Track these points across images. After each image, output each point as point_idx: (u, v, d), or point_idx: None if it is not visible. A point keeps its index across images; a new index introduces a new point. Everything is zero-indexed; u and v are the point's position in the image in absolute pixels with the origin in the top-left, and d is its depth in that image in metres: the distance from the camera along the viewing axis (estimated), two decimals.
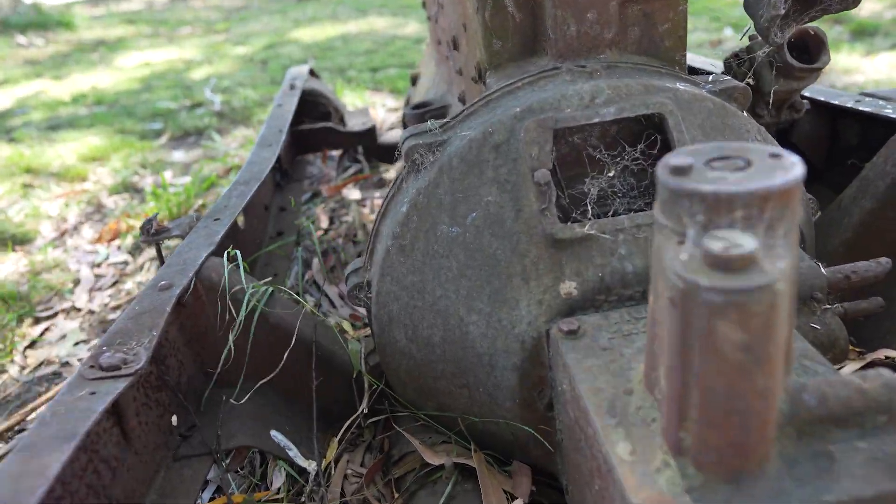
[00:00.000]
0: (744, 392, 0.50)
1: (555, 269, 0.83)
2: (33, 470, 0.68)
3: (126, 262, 2.11)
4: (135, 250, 2.17)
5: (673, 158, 0.54)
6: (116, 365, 0.84)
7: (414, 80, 2.18)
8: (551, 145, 0.84)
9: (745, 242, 0.48)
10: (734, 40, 4.14)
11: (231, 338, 1.02)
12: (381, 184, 2.26)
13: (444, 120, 0.96)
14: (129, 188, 2.78)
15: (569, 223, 0.82)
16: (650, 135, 0.88)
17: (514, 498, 0.94)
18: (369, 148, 2.23)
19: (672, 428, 0.56)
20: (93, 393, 0.79)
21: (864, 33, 3.97)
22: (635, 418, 0.65)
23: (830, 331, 0.90)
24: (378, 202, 2.10)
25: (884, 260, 0.92)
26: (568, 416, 0.78)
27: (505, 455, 1.02)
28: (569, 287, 0.82)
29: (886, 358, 1.13)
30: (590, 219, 0.82)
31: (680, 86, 0.91)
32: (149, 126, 3.66)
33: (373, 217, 2.01)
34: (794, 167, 0.52)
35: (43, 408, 0.73)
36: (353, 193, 2.13)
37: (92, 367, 0.84)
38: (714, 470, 0.55)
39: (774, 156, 0.54)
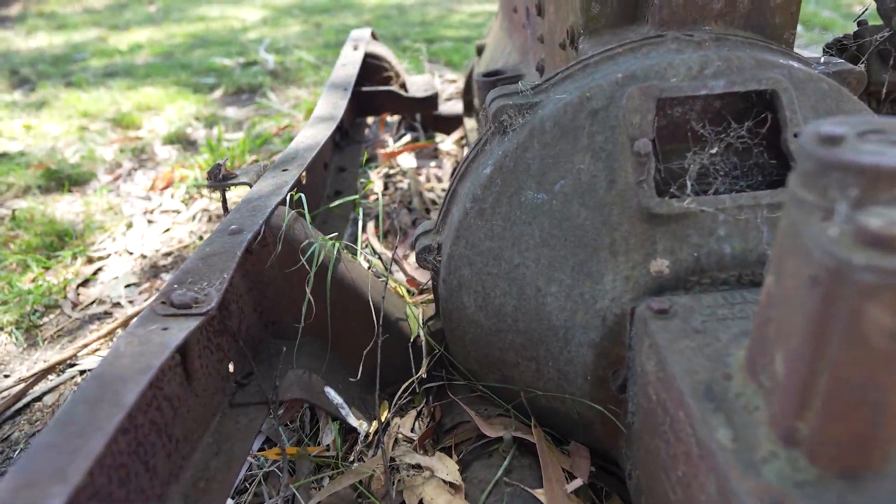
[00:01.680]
0: (883, 384, 0.46)
1: (647, 244, 0.79)
2: (109, 398, 0.67)
3: (178, 211, 2.12)
4: (187, 199, 2.18)
5: (823, 126, 0.50)
6: (188, 303, 0.82)
7: (480, 51, 2.13)
8: (654, 115, 0.80)
9: None
10: (806, 38, 3.98)
11: (308, 289, 1.00)
12: (436, 154, 2.22)
13: (537, 82, 0.92)
14: (181, 139, 2.80)
15: (666, 198, 0.78)
16: (758, 113, 0.83)
17: (573, 477, 0.92)
18: (427, 117, 2.19)
19: (787, 417, 0.53)
20: (165, 329, 0.78)
21: None
22: (735, 405, 0.61)
23: None
24: (434, 171, 2.07)
25: None
26: (649, 398, 0.75)
27: (564, 434, 0.99)
28: (660, 265, 0.78)
29: None
30: (688, 195, 0.78)
31: (794, 64, 0.86)
32: (203, 80, 3.67)
33: (427, 186, 1.98)
34: None
35: (117, 337, 0.73)
36: (408, 161, 2.10)
37: (164, 303, 0.83)
38: (830, 465, 0.51)
39: None
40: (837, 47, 1.16)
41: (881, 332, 0.45)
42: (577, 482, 0.90)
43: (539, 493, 0.88)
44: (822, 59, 0.93)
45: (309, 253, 1.00)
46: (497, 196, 0.88)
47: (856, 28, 1.11)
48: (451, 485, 0.94)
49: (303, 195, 1.10)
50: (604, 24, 0.99)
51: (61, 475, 0.58)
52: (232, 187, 1.19)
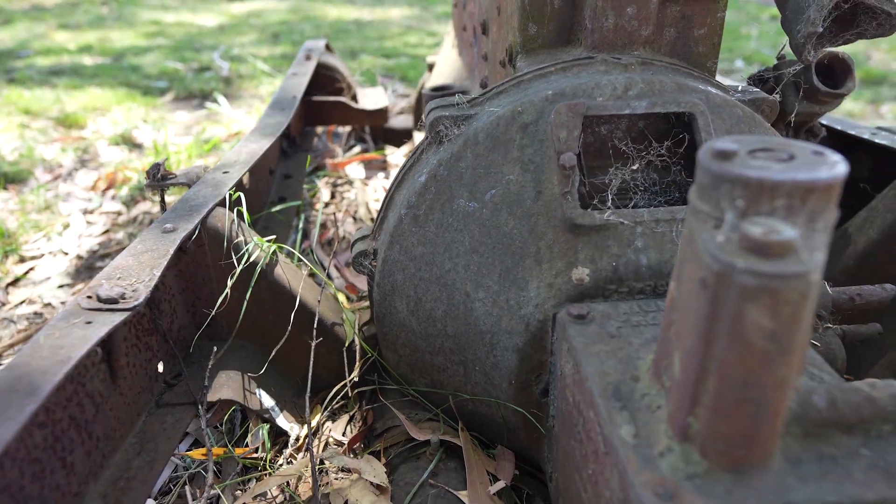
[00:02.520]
0: (763, 381, 0.50)
1: (569, 253, 0.83)
2: (23, 388, 0.66)
3: (119, 213, 2.08)
4: (129, 201, 2.14)
5: (718, 143, 0.54)
6: (115, 298, 0.82)
7: (431, 67, 2.17)
8: (580, 131, 0.84)
9: (785, 230, 0.48)
10: (744, 72, 4.17)
11: (229, 283, 1.00)
12: (385, 166, 2.24)
13: (473, 95, 0.95)
14: (127, 141, 2.74)
15: (589, 210, 0.82)
16: (677, 133, 0.88)
17: (497, 480, 0.94)
18: (377, 129, 2.21)
19: (681, 413, 0.56)
20: (89, 322, 0.78)
21: (871, 82, 4.03)
22: (640, 404, 0.64)
23: (830, 349, 0.90)
24: (381, 183, 2.09)
25: (889, 287, 0.93)
26: (566, 400, 0.78)
27: (491, 439, 1.02)
28: (581, 273, 0.82)
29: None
30: (609, 208, 0.82)
31: (712, 90, 0.91)
32: (153, 84, 3.61)
33: (374, 197, 1.99)
34: (837, 164, 0.52)
35: (40, 331, 0.72)
36: (356, 171, 2.12)
37: (90, 297, 0.82)
38: (719, 459, 0.55)
39: (817, 153, 0.54)
40: (758, 79, 1.23)
41: (760, 333, 0.48)
42: (500, 484, 0.93)
43: (462, 495, 0.90)
44: (741, 88, 0.99)
45: (241, 253, 1.00)
46: (431, 203, 0.91)
47: (776, 62, 1.19)
48: (378, 487, 0.94)
49: (242, 196, 1.10)
50: (540, 44, 1.03)
51: None
52: (171, 188, 1.19)
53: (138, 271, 0.88)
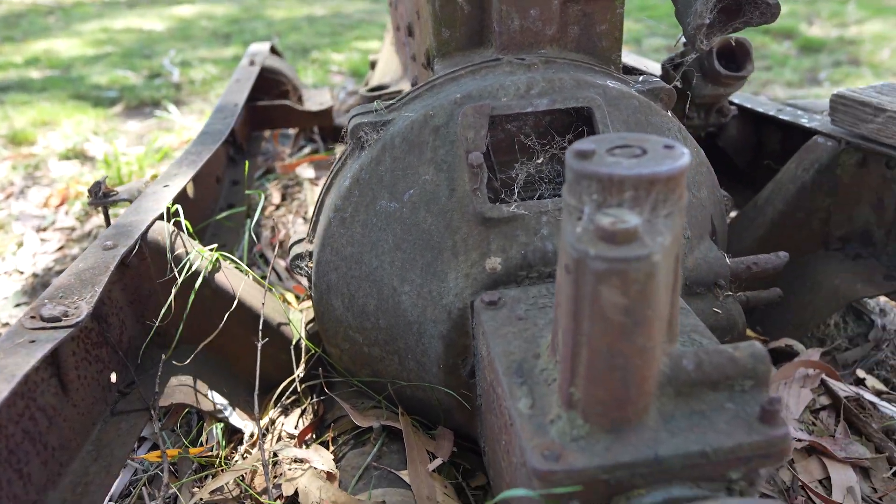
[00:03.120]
0: (624, 351, 0.58)
1: (482, 245, 0.90)
2: None
3: (73, 228, 2.10)
4: (83, 216, 2.15)
5: (579, 144, 0.61)
6: (57, 317, 0.87)
7: (373, 65, 2.22)
8: (486, 130, 0.90)
9: (630, 219, 0.55)
10: None
11: (171, 296, 1.05)
12: None
13: (390, 101, 1.01)
14: (79, 155, 2.74)
15: (497, 204, 0.89)
16: (578, 127, 0.95)
17: (435, 457, 1.01)
18: (326, 129, 2.25)
19: (565, 384, 0.63)
20: (32, 341, 0.82)
21: (811, 49, 4.16)
22: (539, 378, 0.72)
23: (730, 315, 0.99)
24: None
25: (782, 253, 1.02)
26: (485, 379, 0.85)
27: (431, 421, 1.09)
28: (494, 263, 0.89)
29: (787, 346, 1.24)
30: (516, 200, 0.89)
31: (610, 83, 0.98)
32: (104, 94, 3.59)
33: None
34: (681, 157, 0.59)
35: None
36: (306, 172, 2.16)
37: (33, 317, 0.87)
38: (598, 421, 0.62)
39: (668, 147, 0.61)
40: (670, 65, 1.31)
41: (615, 309, 0.56)
42: (438, 461, 1.00)
43: (403, 474, 0.97)
44: (641, 79, 1.06)
45: (182, 264, 1.05)
46: (356, 205, 0.97)
47: (681, 49, 1.27)
48: (328, 473, 1.01)
49: (180, 208, 1.15)
50: (454, 47, 1.09)
51: None
52: (114, 204, 1.23)
53: (80, 289, 0.92)
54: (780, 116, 1.35)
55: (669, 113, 1.05)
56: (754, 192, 1.41)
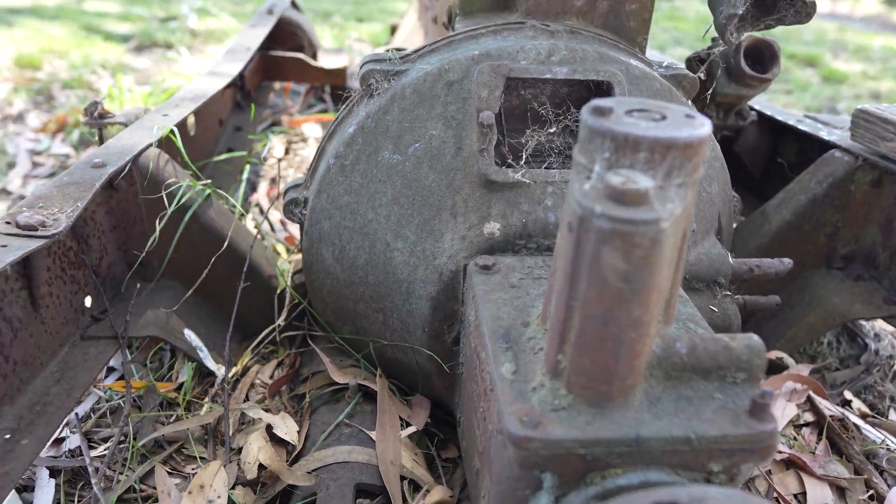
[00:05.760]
0: (619, 319, 0.55)
1: (482, 208, 0.86)
2: None
3: (68, 156, 2.05)
4: (79, 145, 2.11)
5: (598, 101, 0.58)
6: (34, 226, 0.83)
7: (394, 30, 2.17)
8: (501, 91, 0.87)
9: (642, 181, 0.52)
10: None
11: (158, 226, 1.02)
12: None
13: (406, 52, 0.97)
14: (84, 85, 2.69)
15: (503, 168, 0.86)
16: None
17: (409, 425, 0.98)
18: (337, 90, 2.21)
19: (553, 351, 0.61)
20: (4, 246, 0.79)
21: (833, 80, 4.13)
22: (525, 346, 0.69)
23: (726, 315, 0.96)
24: None
25: (786, 260, 0.99)
26: (469, 346, 0.82)
27: (409, 386, 1.06)
28: (492, 227, 0.86)
29: (777, 358, 1.22)
30: (523, 167, 0.86)
31: (633, 62, 0.95)
32: (116, 30, 3.53)
33: None
34: (702, 126, 0.56)
35: None
36: (313, 130, 2.12)
37: (8, 223, 0.83)
38: (582, 392, 0.60)
39: (689, 116, 0.58)
40: (697, 59, 1.28)
41: (614, 273, 0.53)
42: (411, 429, 0.97)
43: (373, 434, 0.94)
44: (665, 63, 1.03)
45: (170, 190, 1.02)
46: (357, 154, 0.93)
47: (710, 43, 1.23)
48: (279, 439, 0.97)
49: (178, 135, 1.11)
50: (478, 7, 1.06)
51: None
52: (109, 127, 1.19)
53: (61, 202, 0.89)
54: (800, 127, 1.31)
55: (689, 102, 1.01)
56: (763, 203, 1.38)
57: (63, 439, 0.98)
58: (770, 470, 1.01)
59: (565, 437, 0.57)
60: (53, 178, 0.93)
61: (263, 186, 1.75)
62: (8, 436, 0.83)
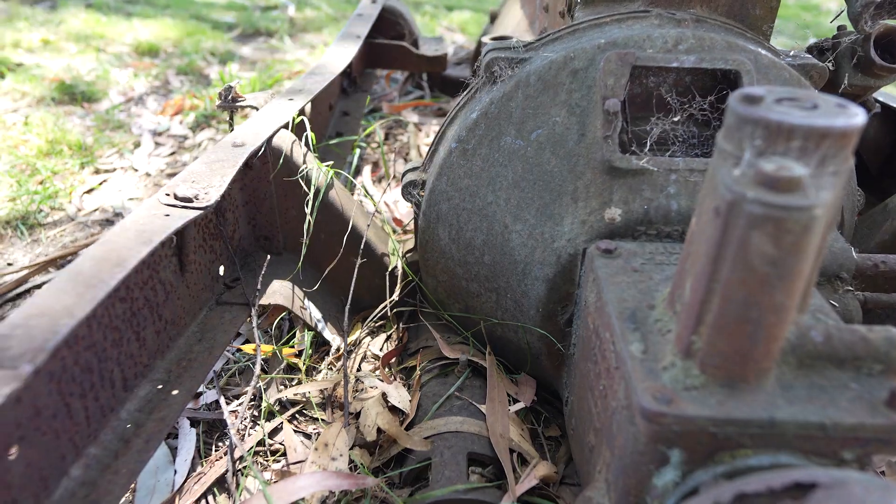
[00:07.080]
0: (761, 304, 0.56)
1: (604, 194, 0.88)
2: (113, 259, 0.76)
3: (185, 137, 2.20)
4: (195, 127, 2.25)
5: (748, 89, 0.59)
6: (190, 198, 0.91)
7: (493, 18, 2.20)
8: (627, 79, 0.88)
9: (796, 168, 0.53)
10: None
11: (308, 210, 1.09)
12: (440, 113, 2.30)
13: (529, 40, 1.00)
14: (195, 72, 2.86)
15: (626, 155, 0.87)
16: (722, 90, 0.92)
17: (516, 402, 1.02)
18: (434, 77, 2.26)
19: (686, 332, 0.62)
20: (167, 215, 0.88)
21: None
22: (653, 328, 0.71)
23: (847, 311, 0.94)
24: (434, 129, 2.15)
25: None
26: (587, 327, 0.84)
27: (515, 365, 1.09)
28: (614, 213, 0.88)
29: None
30: (647, 154, 0.87)
31: (762, 51, 0.94)
32: (221, 18, 3.72)
33: (426, 141, 2.06)
34: (856, 116, 0.56)
35: (126, 217, 0.82)
36: (411, 116, 2.18)
37: (168, 195, 0.92)
38: (715, 373, 0.61)
39: (841, 105, 0.58)
40: (818, 49, 1.24)
41: (762, 258, 0.54)
42: (520, 405, 1.01)
43: (483, 408, 0.98)
44: (792, 53, 1.01)
45: (303, 173, 1.09)
46: (480, 139, 0.97)
47: (835, 32, 1.19)
48: (393, 407, 1.03)
49: (306, 120, 1.18)
50: None
51: (69, 312, 0.67)
52: (240, 110, 1.28)
53: (209, 177, 0.97)
54: None
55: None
56: (879, 200, 1.33)
57: (200, 394, 1.07)
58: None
59: (698, 414, 0.59)
60: (202, 156, 1.02)
61: (367, 170, 1.82)
62: (160, 386, 0.92)
